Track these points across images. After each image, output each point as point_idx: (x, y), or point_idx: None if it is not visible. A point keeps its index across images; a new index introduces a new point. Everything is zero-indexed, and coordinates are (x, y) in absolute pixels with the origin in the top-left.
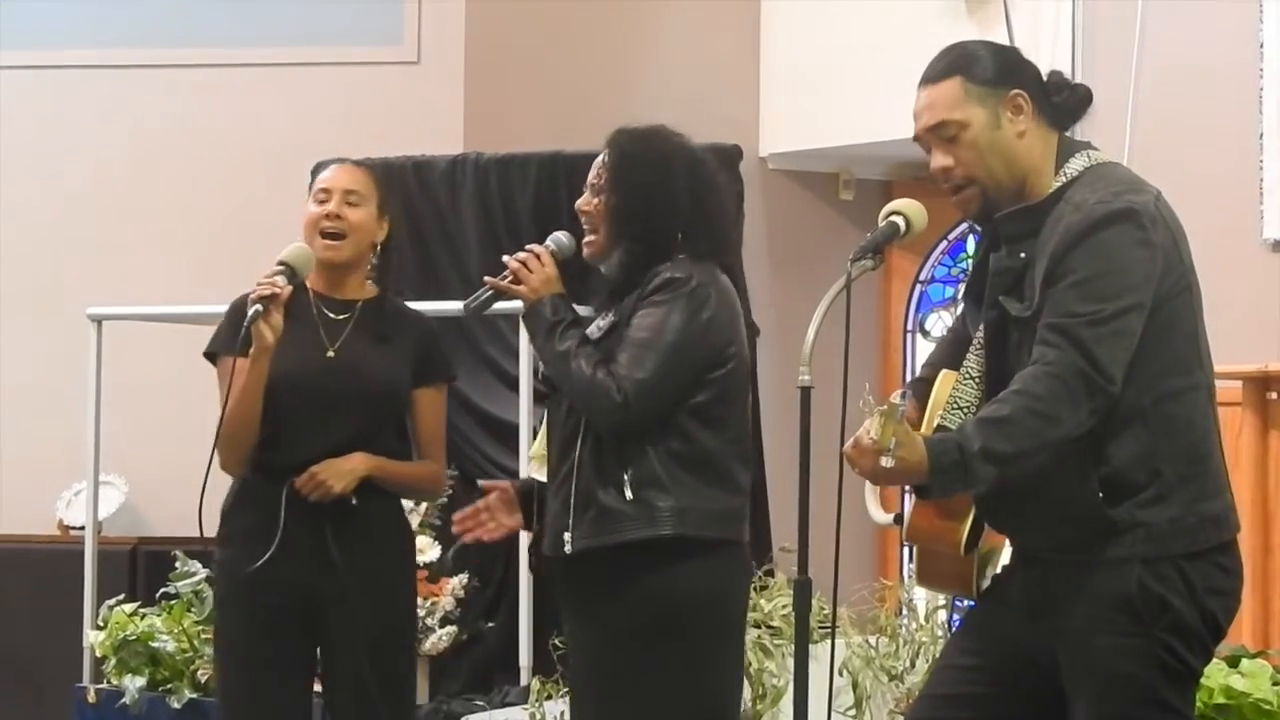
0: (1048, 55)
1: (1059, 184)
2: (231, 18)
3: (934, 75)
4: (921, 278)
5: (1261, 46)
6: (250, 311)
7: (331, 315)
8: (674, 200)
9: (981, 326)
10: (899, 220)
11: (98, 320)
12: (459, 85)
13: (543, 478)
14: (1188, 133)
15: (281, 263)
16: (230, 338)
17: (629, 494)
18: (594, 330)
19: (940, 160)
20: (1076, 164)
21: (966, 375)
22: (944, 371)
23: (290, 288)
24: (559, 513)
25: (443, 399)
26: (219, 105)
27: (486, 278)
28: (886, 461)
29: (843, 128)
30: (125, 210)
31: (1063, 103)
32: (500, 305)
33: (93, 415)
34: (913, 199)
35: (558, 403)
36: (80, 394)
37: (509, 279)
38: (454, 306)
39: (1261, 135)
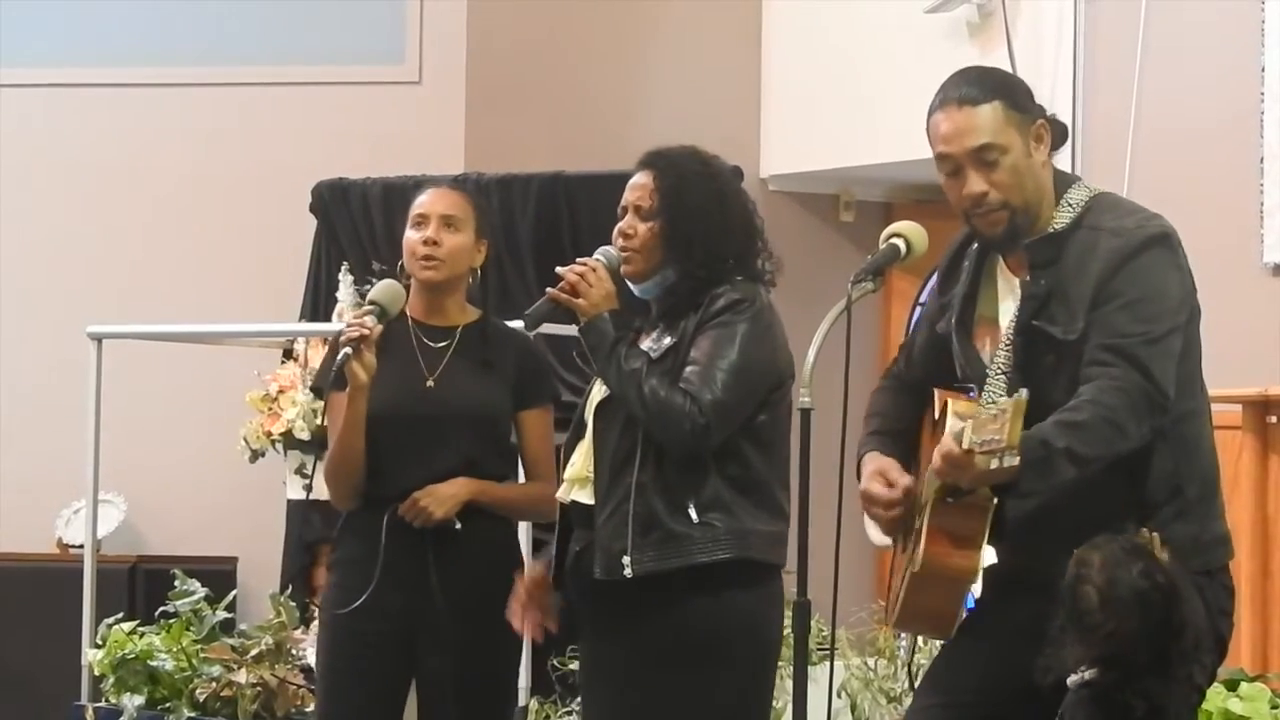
0: (1049, 77)
1: (1067, 212)
2: (234, 37)
3: (974, 97)
4: (922, 300)
5: (1263, 70)
6: (340, 355)
7: (430, 343)
8: (730, 224)
9: (1000, 352)
10: (900, 243)
11: (97, 338)
12: (460, 105)
13: (583, 500)
14: (1188, 155)
15: (372, 302)
16: (332, 374)
17: (695, 517)
18: (649, 349)
19: (976, 185)
20: (1078, 194)
21: (990, 400)
22: (951, 399)
23: (380, 327)
24: (614, 535)
25: (548, 419)
26: (221, 124)
27: (549, 290)
28: (1010, 460)
29: (843, 149)
30: (126, 228)
31: (1055, 136)
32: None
33: (92, 433)
34: (913, 221)
35: (608, 422)
36: (79, 412)
37: (565, 291)
38: None
39: (1262, 159)
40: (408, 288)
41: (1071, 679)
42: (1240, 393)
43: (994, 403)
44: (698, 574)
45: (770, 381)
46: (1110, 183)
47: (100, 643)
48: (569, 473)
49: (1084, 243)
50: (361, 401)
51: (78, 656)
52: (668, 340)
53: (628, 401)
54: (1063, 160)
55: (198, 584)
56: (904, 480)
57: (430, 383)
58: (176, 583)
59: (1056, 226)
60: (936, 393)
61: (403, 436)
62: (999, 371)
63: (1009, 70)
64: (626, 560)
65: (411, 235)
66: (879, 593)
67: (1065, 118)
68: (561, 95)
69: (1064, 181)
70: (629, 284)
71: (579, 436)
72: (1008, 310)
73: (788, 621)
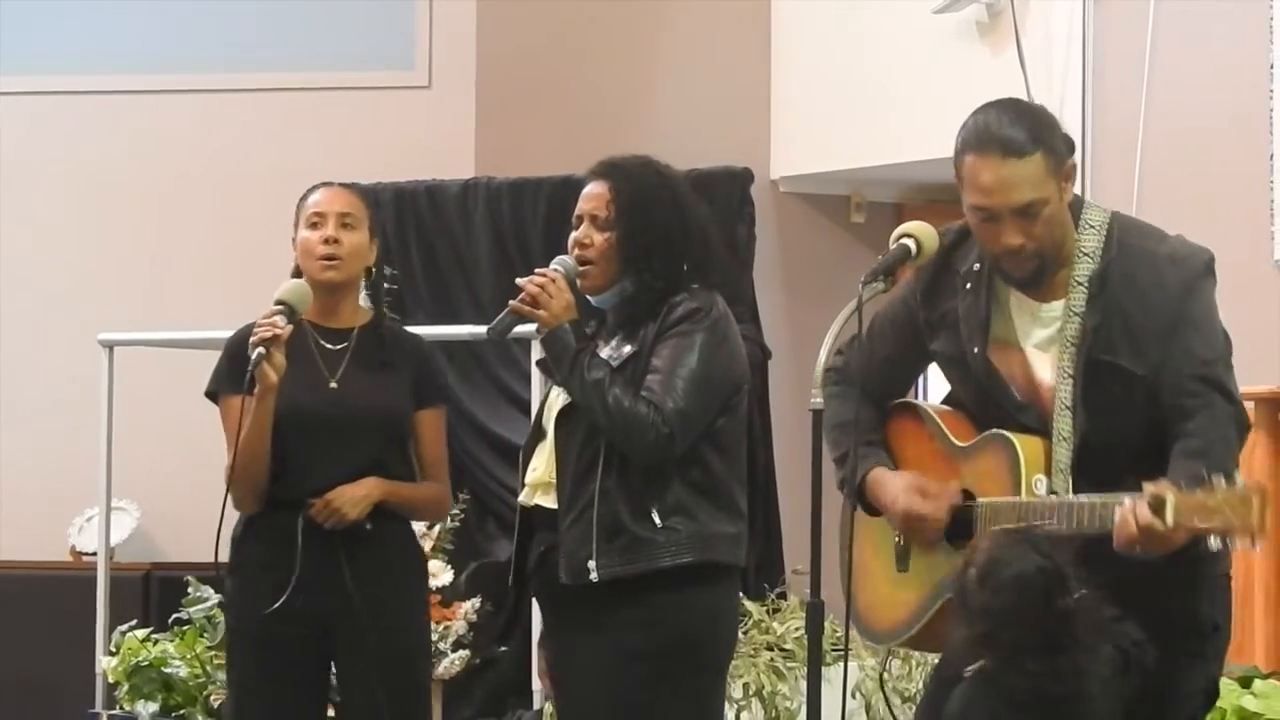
0: (1059, 78)
1: (1091, 236)
2: (243, 43)
3: (1019, 147)
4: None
5: (1272, 68)
6: (254, 356)
7: (328, 345)
8: (688, 233)
9: (1062, 386)
10: (910, 243)
11: (109, 346)
12: (470, 110)
13: (547, 504)
14: (1198, 152)
15: (280, 301)
16: (232, 377)
17: (658, 521)
18: (610, 357)
19: (1014, 238)
20: (1094, 215)
21: (1060, 436)
22: (1009, 435)
23: (290, 327)
24: (579, 541)
25: (443, 420)
26: (231, 130)
27: (511, 302)
28: (1256, 547)
29: (854, 150)
30: (137, 235)
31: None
32: (518, 329)
33: (104, 441)
34: (924, 221)
35: (570, 430)
36: (92, 420)
37: (526, 302)
38: (465, 331)
39: (1272, 156)
40: None
41: (966, 670)
42: (1253, 390)
43: (1211, 486)
44: (663, 577)
45: (728, 388)
46: (1121, 181)
47: (114, 650)
48: (531, 478)
49: (1131, 270)
50: (270, 403)
51: (92, 664)
52: (628, 349)
53: (591, 411)
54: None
55: (211, 591)
56: (947, 494)
57: (333, 384)
58: (190, 589)
59: (1084, 250)
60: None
61: (309, 438)
62: (1064, 406)
63: (1024, 82)
64: (592, 565)
65: (308, 235)
66: None
67: (1075, 116)
68: (571, 99)
69: (1075, 202)
70: (586, 296)
71: (538, 439)
72: (1031, 335)
73: (799, 621)
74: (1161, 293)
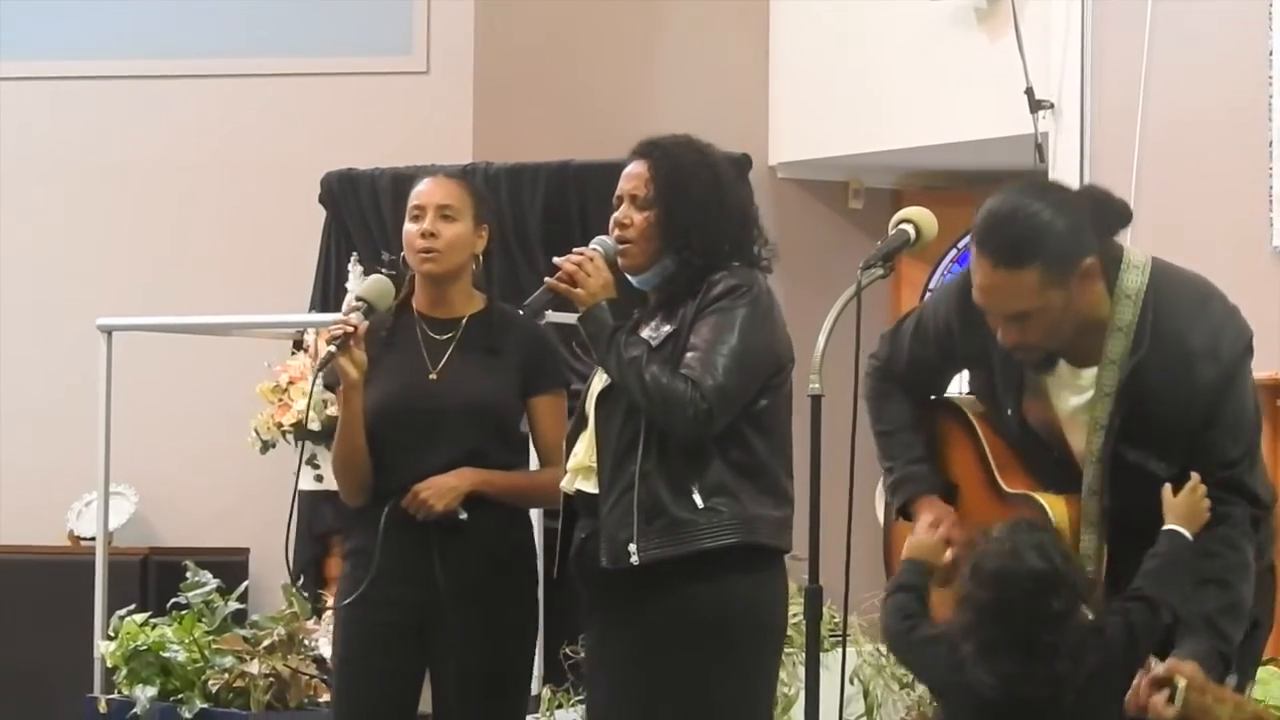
0: (1058, 64)
1: (1125, 309)
2: (241, 28)
3: (1010, 258)
4: (931, 286)
5: (1270, 55)
6: (323, 355)
7: (435, 335)
8: (727, 211)
9: (1087, 470)
10: (909, 229)
11: (108, 331)
12: (468, 95)
13: (588, 489)
14: (1197, 140)
15: (359, 298)
16: (324, 374)
17: (700, 503)
18: (648, 337)
19: (1010, 336)
20: (1131, 281)
21: (1088, 523)
22: (1039, 499)
23: (366, 323)
24: (619, 524)
25: (560, 405)
26: (229, 115)
27: (547, 279)
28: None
29: (852, 137)
30: (135, 221)
31: (1108, 223)
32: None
33: (103, 426)
34: (923, 208)
35: (609, 411)
36: (90, 405)
37: (563, 280)
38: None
39: (1271, 143)
40: (412, 280)
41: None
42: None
43: (1223, 691)
44: (703, 560)
45: (770, 366)
46: (1120, 169)
47: (112, 635)
48: (572, 463)
49: (1165, 366)
50: (356, 398)
51: (90, 648)
52: (667, 328)
53: (628, 389)
54: (1071, 151)
55: (209, 575)
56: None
57: (433, 375)
58: (188, 574)
59: (1119, 325)
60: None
61: (405, 430)
62: (1091, 492)
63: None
64: (633, 548)
65: (409, 228)
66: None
67: (1073, 103)
68: (569, 84)
69: (1112, 260)
70: (627, 276)
71: (581, 427)
72: (1065, 400)
73: (799, 608)
74: (1194, 394)
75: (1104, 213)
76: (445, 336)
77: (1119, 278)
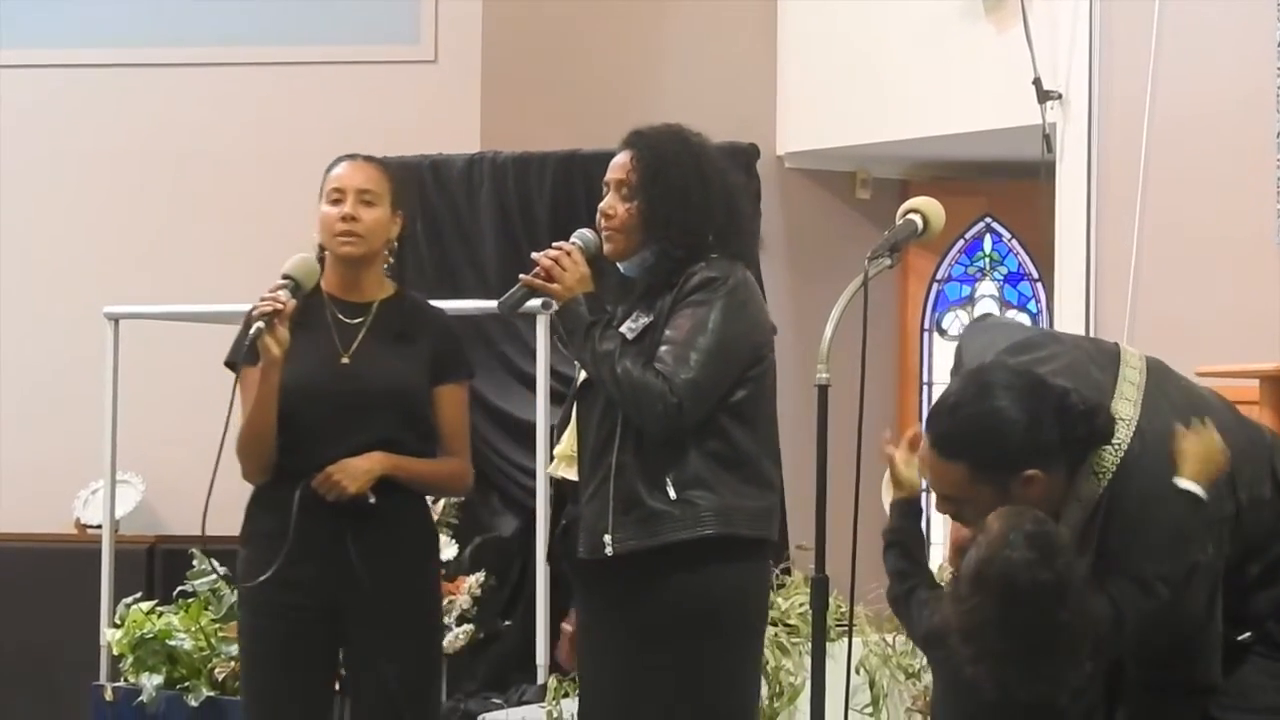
0: (1065, 55)
1: (1092, 484)
2: (248, 17)
3: (941, 447)
4: (939, 276)
5: (1278, 47)
6: (253, 330)
7: (345, 319)
8: (709, 202)
9: None
10: (916, 219)
11: (115, 319)
12: (476, 84)
13: (571, 476)
14: (1204, 133)
15: (285, 276)
16: (245, 349)
17: (673, 494)
18: (626, 330)
19: (943, 510)
20: (1108, 458)
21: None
22: None
23: (294, 301)
24: (597, 515)
25: (463, 395)
26: (235, 104)
27: (521, 276)
28: None
29: (860, 126)
30: (142, 209)
31: (1081, 437)
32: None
33: (109, 414)
34: (930, 197)
35: (590, 403)
36: (97, 393)
37: (540, 276)
38: (470, 305)
39: (1278, 136)
40: (323, 261)
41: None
42: (1257, 368)
43: None
44: (683, 550)
45: (747, 358)
46: (1127, 159)
47: (119, 622)
48: (558, 449)
49: (1118, 534)
50: (275, 376)
51: (96, 636)
52: (645, 320)
53: (602, 383)
54: (1079, 141)
55: (216, 563)
56: None
57: (345, 359)
58: (195, 562)
59: (1079, 495)
60: None
61: (317, 413)
62: None
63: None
64: (608, 539)
65: (328, 210)
66: None
67: (1081, 96)
68: (577, 73)
69: (1075, 467)
70: (617, 265)
71: (569, 417)
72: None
73: (804, 597)
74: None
75: (1077, 427)
76: (356, 320)
77: (1093, 454)
